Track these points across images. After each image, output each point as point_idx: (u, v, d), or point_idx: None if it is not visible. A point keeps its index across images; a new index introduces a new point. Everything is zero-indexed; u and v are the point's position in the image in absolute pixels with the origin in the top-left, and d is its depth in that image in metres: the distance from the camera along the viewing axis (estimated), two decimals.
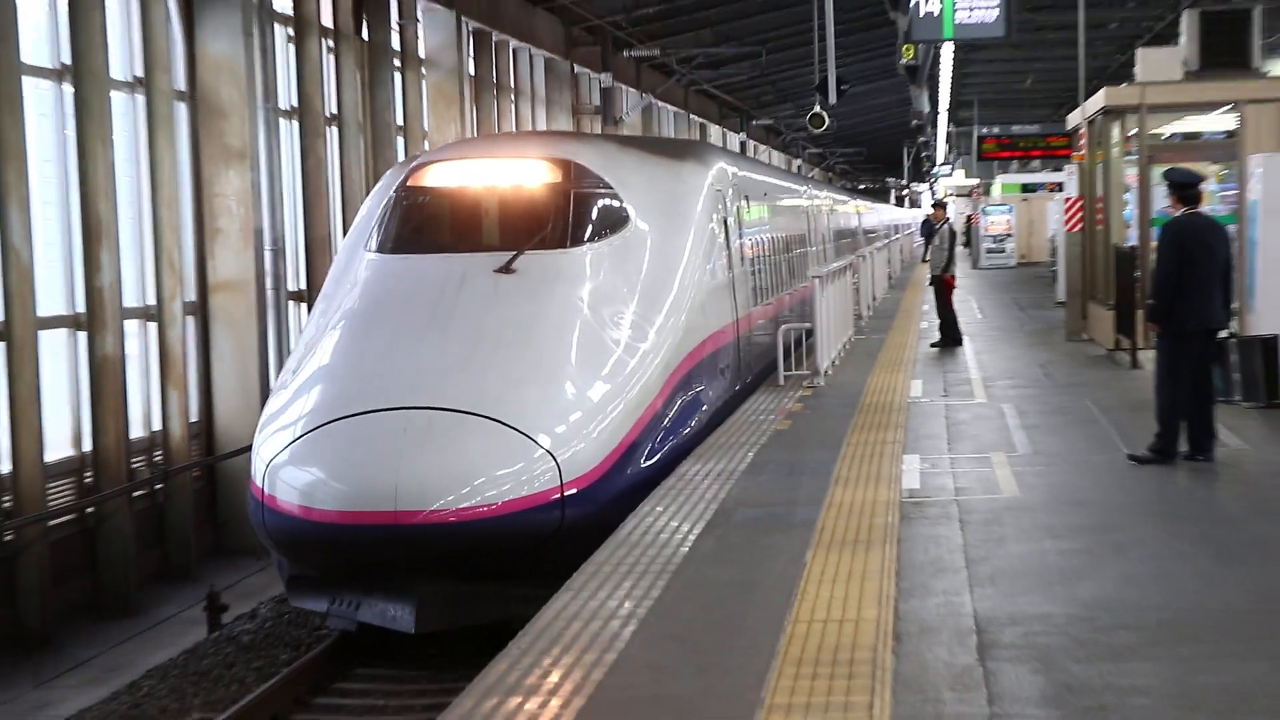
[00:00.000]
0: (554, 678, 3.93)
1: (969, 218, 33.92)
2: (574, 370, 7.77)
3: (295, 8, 13.42)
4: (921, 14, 11.77)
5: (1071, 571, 5.67)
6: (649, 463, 7.94)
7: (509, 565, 7.07)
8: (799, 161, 42.84)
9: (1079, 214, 16.10)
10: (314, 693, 7.55)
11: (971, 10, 11.93)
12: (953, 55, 21.88)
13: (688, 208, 9.84)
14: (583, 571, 5.37)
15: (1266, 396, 9.98)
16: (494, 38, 18.71)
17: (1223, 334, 8.84)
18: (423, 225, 8.97)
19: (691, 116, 29.58)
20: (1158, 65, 14.20)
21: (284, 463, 7.15)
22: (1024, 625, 4.68)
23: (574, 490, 6.99)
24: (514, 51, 20.23)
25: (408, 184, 9.14)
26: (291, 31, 13.63)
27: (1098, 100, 14.45)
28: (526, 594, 6.47)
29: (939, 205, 15.18)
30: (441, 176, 9.18)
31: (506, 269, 8.09)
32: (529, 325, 7.88)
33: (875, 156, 46.21)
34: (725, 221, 10.81)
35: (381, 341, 7.84)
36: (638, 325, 8.33)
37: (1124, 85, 17.01)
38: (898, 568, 5.48)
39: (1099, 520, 6.90)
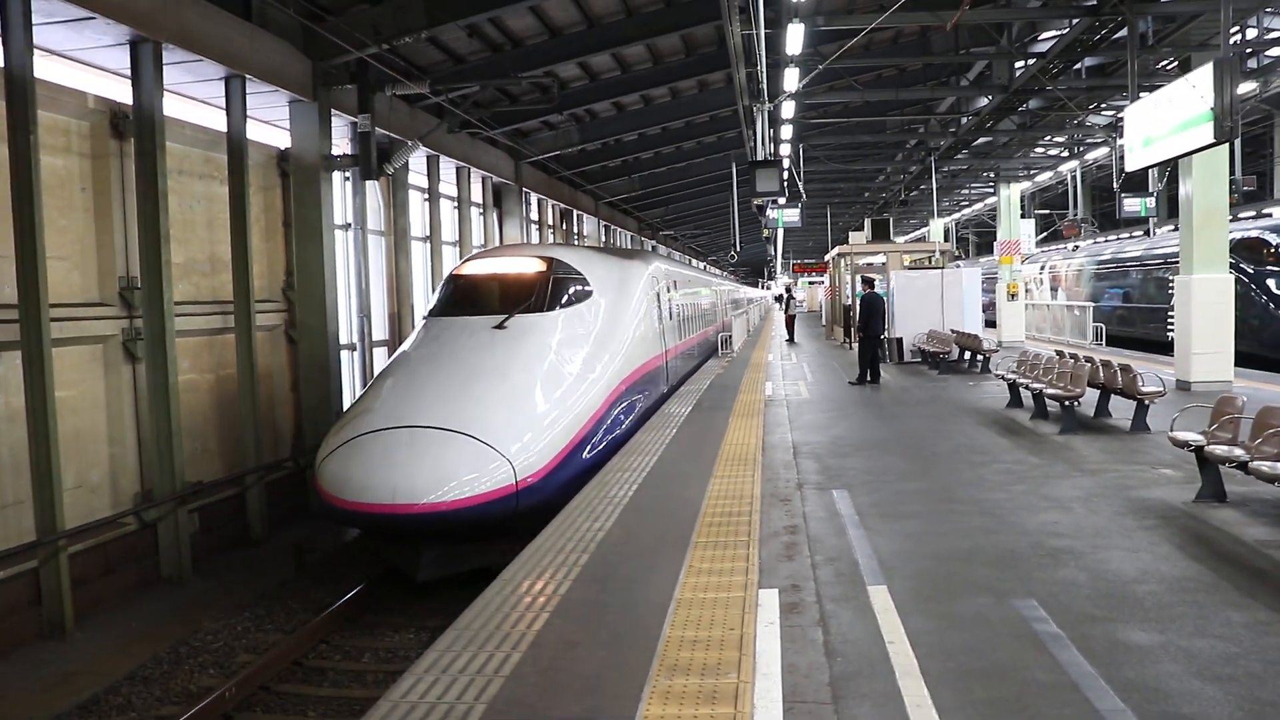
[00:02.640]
0: (479, 660, 4.48)
1: (787, 294, 55.53)
2: (534, 395, 10.12)
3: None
4: (769, 217, 24.75)
5: (828, 425, 12.81)
6: (590, 455, 10.37)
7: (483, 536, 9.27)
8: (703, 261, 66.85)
9: (830, 292, 37.15)
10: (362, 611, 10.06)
11: (788, 217, 24.86)
12: (782, 233, 46.21)
13: (633, 287, 13.87)
14: (511, 566, 6.24)
15: (897, 359, 22.09)
16: (470, 170, 22.64)
17: (883, 336, 19.07)
18: (456, 298, 12.15)
19: (614, 228, 39.04)
20: (856, 237, 32.83)
21: (326, 464, 9.38)
22: (810, 445, 11.45)
23: (526, 484, 9.10)
24: (482, 180, 24.28)
25: (454, 273, 13.00)
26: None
27: (834, 250, 34.32)
28: (503, 548, 8.49)
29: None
30: (472, 268, 12.86)
31: (501, 325, 11.10)
32: (507, 364, 10.38)
33: (751, 266, 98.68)
34: (658, 295, 15.69)
35: (410, 377, 10.34)
36: (589, 361, 11.25)
37: (841, 245, 33.80)
38: (763, 424, 12.34)
39: (837, 406, 14.54)
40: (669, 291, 17.34)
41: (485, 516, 8.88)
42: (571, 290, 12.18)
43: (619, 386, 11.81)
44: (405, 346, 11.74)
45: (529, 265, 12.43)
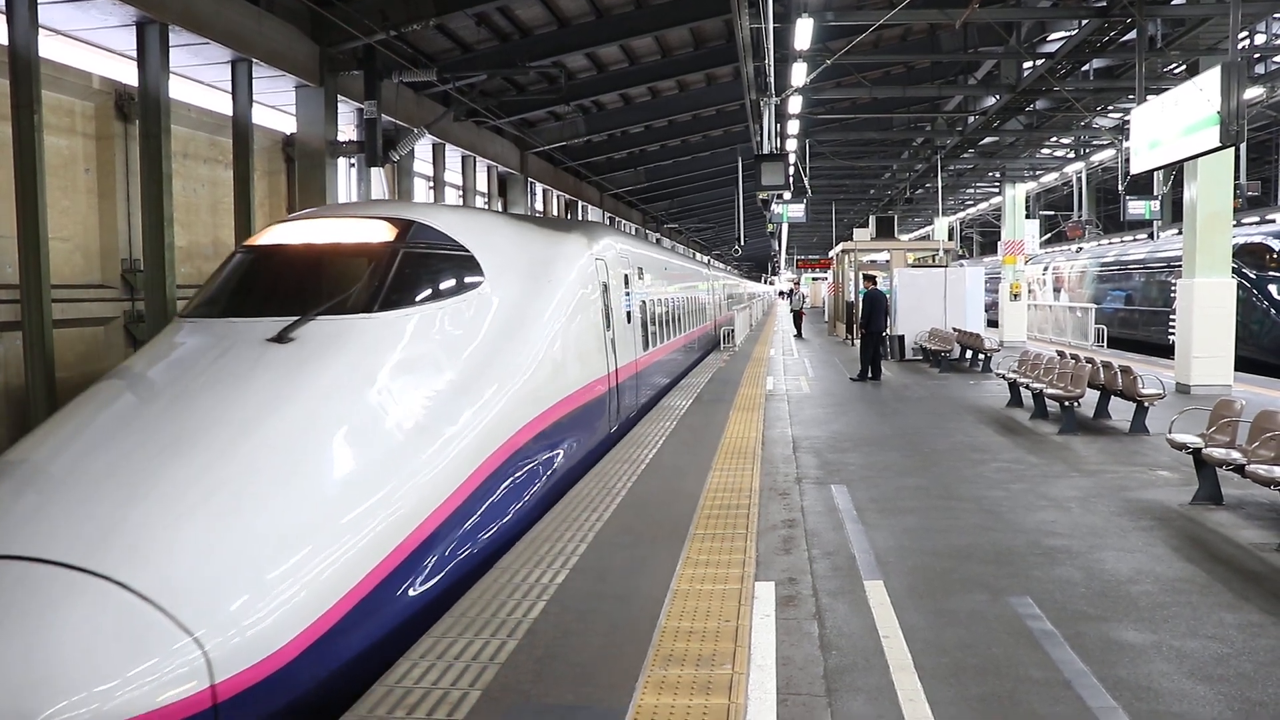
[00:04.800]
0: (475, 647, 5.55)
1: (794, 289, 56.82)
2: (298, 484, 5.13)
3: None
4: (774, 211, 23.71)
5: (828, 420, 12.78)
6: (433, 582, 5.58)
7: None
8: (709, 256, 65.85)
9: (833, 288, 36.98)
10: None
11: (793, 213, 24.15)
12: (786, 229, 42.99)
13: (560, 273, 8.85)
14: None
15: (899, 357, 21.96)
16: (475, 159, 22.80)
17: (885, 334, 18.83)
18: (235, 286, 7.11)
19: (620, 220, 38.70)
20: (861, 234, 31.08)
21: None
22: (809, 439, 11.46)
23: (241, 686, 4.21)
24: (488, 169, 24.31)
25: (245, 244, 7.78)
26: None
27: (838, 246, 34.21)
28: None
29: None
30: (275, 235, 7.57)
31: (281, 338, 6.16)
32: (261, 417, 5.42)
33: (756, 261, 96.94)
34: (608, 286, 10.53)
35: (71, 441, 5.39)
36: (453, 399, 6.42)
37: (845, 242, 32.30)
38: (763, 418, 12.33)
39: (837, 402, 14.45)
40: (631, 281, 12.43)
41: None
42: (438, 275, 7.32)
43: (513, 440, 6.98)
44: (115, 374, 6.39)
45: (367, 232, 7.40)
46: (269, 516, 4.85)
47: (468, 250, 7.69)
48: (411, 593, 5.39)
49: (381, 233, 7.42)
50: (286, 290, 6.90)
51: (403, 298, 6.87)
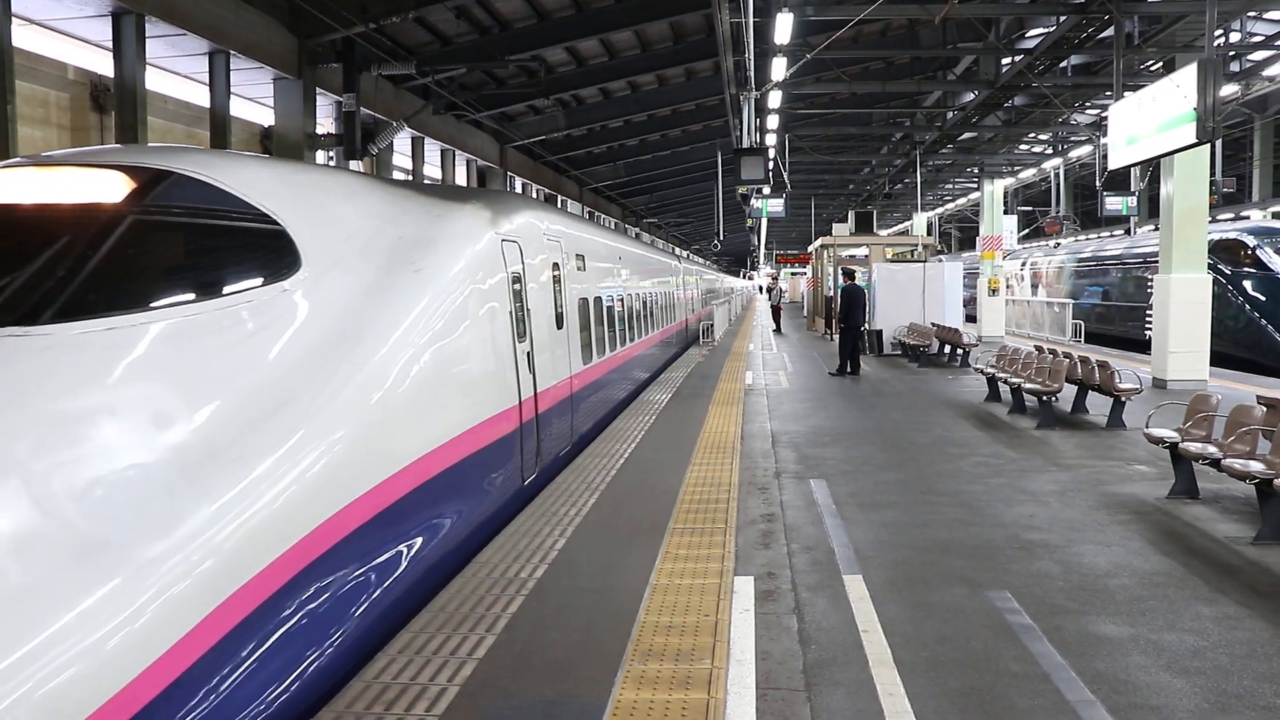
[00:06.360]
0: (453, 642, 5.74)
1: (773, 284, 57.60)
2: None
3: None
4: (753, 206, 24.23)
5: (807, 414, 12.78)
6: None
7: None
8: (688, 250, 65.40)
9: (811, 283, 37.36)
10: None
11: (772, 207, 24.56)
12: (765, 223, 42.24)
13: (437, 261, 6.07)
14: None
15: (877, 351, 22.00)
16: (455, 153, 22.86)
17: (863, 328, 19.20)
18: None
19: (597, 214, 38.40)
20: (840, 229, 33.27)
21: None
22: (788, 434, 11.47)
23: None
24: (467, 163, 24.38)
25: None
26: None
27: (817, 242, 33.13)
28: None
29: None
30: None
31: None
32: None
33: (735, 256, 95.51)
34: (520, 279, 7.66)
35: None
36: (184, 487, 3.72)
37: (824, 237, 32.04)
38: (742, 412, 12.32)
39: (816, 397, 14.44)
40: (566, 273, 9.69)
41: None
42: (206, 260, 4.76)
43: (312, 540, 4.25)
44: None
45: (91, 188, 4.74)
46: None
47: (276, 222, 5.01)
48: None
49: (110, 189, 4.70)
50: None
51: (114, 298, 4.22)
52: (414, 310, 5.59)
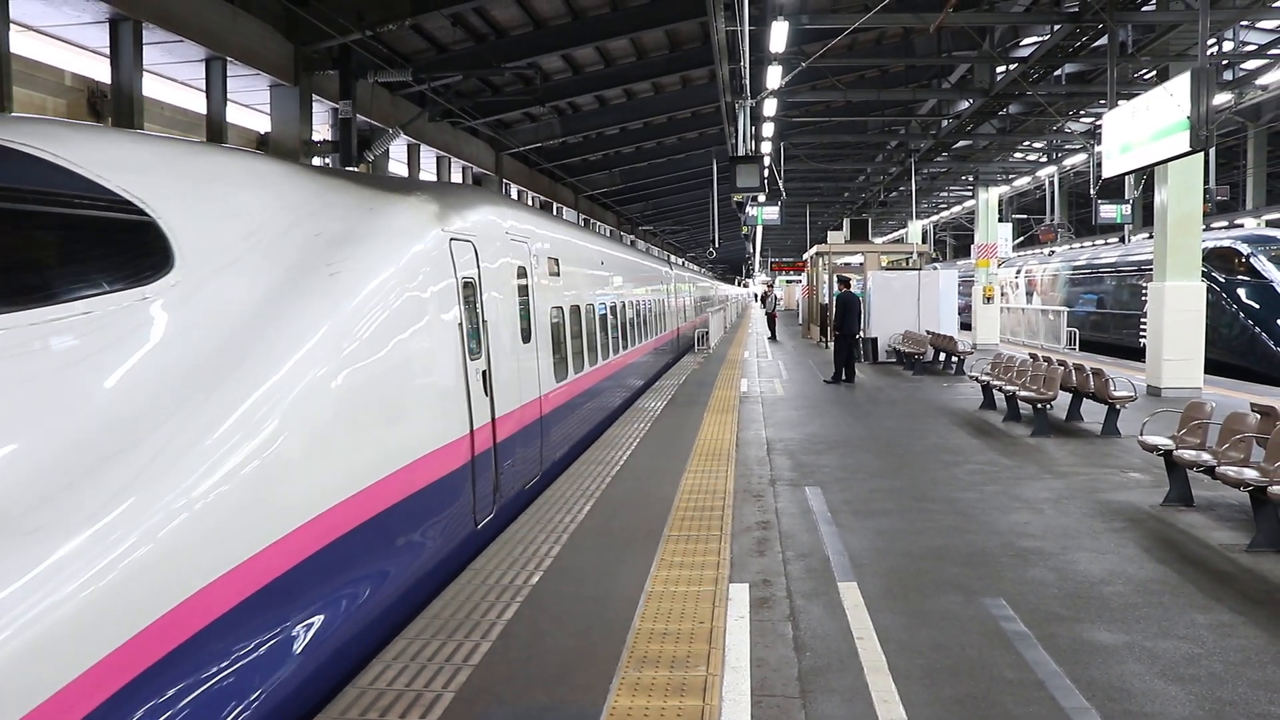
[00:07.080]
0: (448, 649, 6.10)
1: (768, 292, 59.44)
2: None
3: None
4: (749, 214, 24.18)
5: (802, 422, 12.79)
6: None
7: None
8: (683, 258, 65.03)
9: (807, 291, 36.89)
10: None
11: (768, 215, 24.39)
12: (761, 231, 44.30)
13: (363, 263, 4.98)
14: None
15: (872, 359, 22.35)
16: (451, 160, 22.70)
17: (858, 336, 19.30)
18: None
19: (593, 221, 38.25)
20: (835, 237, 31.39)
21: None
22: (783, 442, 11.48)
23: None
24: (463, 170, 24.16)
25: None
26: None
27: (812, 249, 33.33)
28: None
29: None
30: None
31: None
32: None
33: (730, 264, 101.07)
34: (473, 285, 6.60)
35: None
36: None
37: (819, 245, 32.13)
38: (737, 420, 12.33)
39: (811, 404, 14.49)
40: (536, 278, 8.66)
41: None
42: (31, 256, 3.78)
43: (186, 610, 3.29)
44: None
45: None
46: None
47: (143, 211, 4.07)
48: None
49: None
50: None
51: None
52: (324, 324, 4.47)
